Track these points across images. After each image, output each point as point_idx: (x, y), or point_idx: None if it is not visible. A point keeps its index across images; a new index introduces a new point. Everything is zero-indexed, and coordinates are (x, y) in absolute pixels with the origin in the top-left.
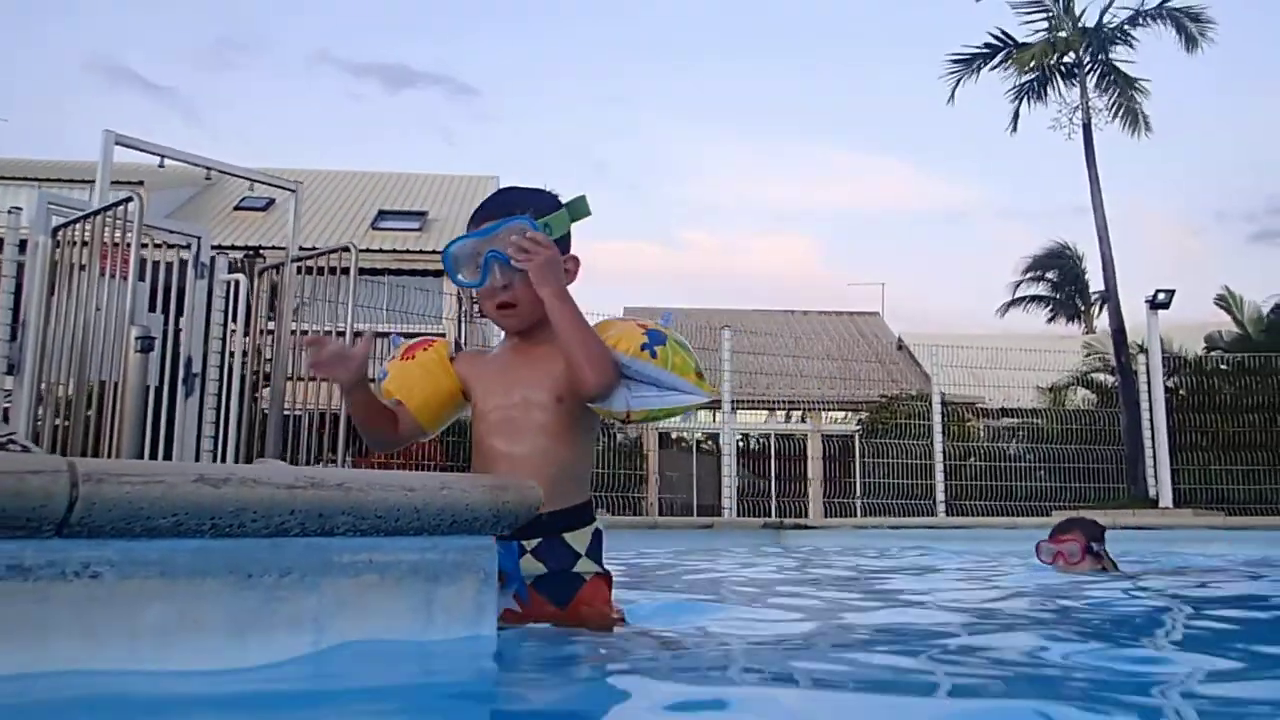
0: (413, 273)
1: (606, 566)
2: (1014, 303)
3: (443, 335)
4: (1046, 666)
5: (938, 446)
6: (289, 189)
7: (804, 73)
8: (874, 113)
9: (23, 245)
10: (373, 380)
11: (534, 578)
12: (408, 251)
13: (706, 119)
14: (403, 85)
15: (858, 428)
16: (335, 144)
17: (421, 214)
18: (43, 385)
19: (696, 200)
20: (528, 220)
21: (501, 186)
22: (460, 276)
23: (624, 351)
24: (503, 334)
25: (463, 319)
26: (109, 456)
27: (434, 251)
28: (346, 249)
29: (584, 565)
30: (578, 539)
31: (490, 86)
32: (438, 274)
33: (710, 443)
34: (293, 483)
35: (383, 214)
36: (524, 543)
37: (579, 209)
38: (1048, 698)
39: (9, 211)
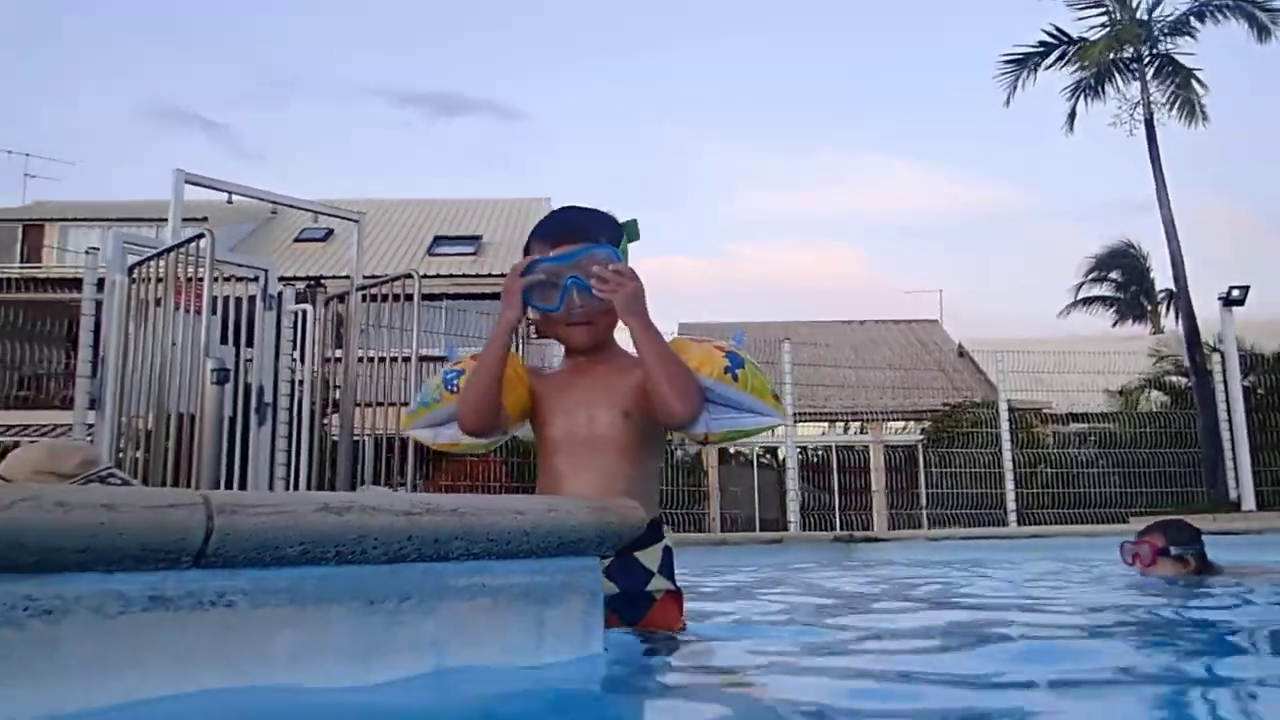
0: (470, 296)
1: (678, 584)
2: (1076, 304)
3: None
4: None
5: (1007, 454)
6: (353, 219)
7: (847, 80)
8: (919, 118)
9: (100, 284)
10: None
11: (607, 597)
12: (464, 275)
13: (750, 131)
14: (451, 112)
15: (921, 437)
16: (388, 173)
17: (476, 238)
18: (123, 419)
19: (743, 213)
20: (610, 250)
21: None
22: (534, 299)
23: (707, 375)
24: (560, 355)
25: (519, 340)
26: (189, 487)
27: (490, 275)
28: (409, 276)
29: (657, 584)
30: (649, 556)
31: (537, 109)
32: (494, 297)
33: (769, 456)
34: (409, 509)
35: (438, 239)
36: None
37: (632, 232)
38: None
39: (86, 252)
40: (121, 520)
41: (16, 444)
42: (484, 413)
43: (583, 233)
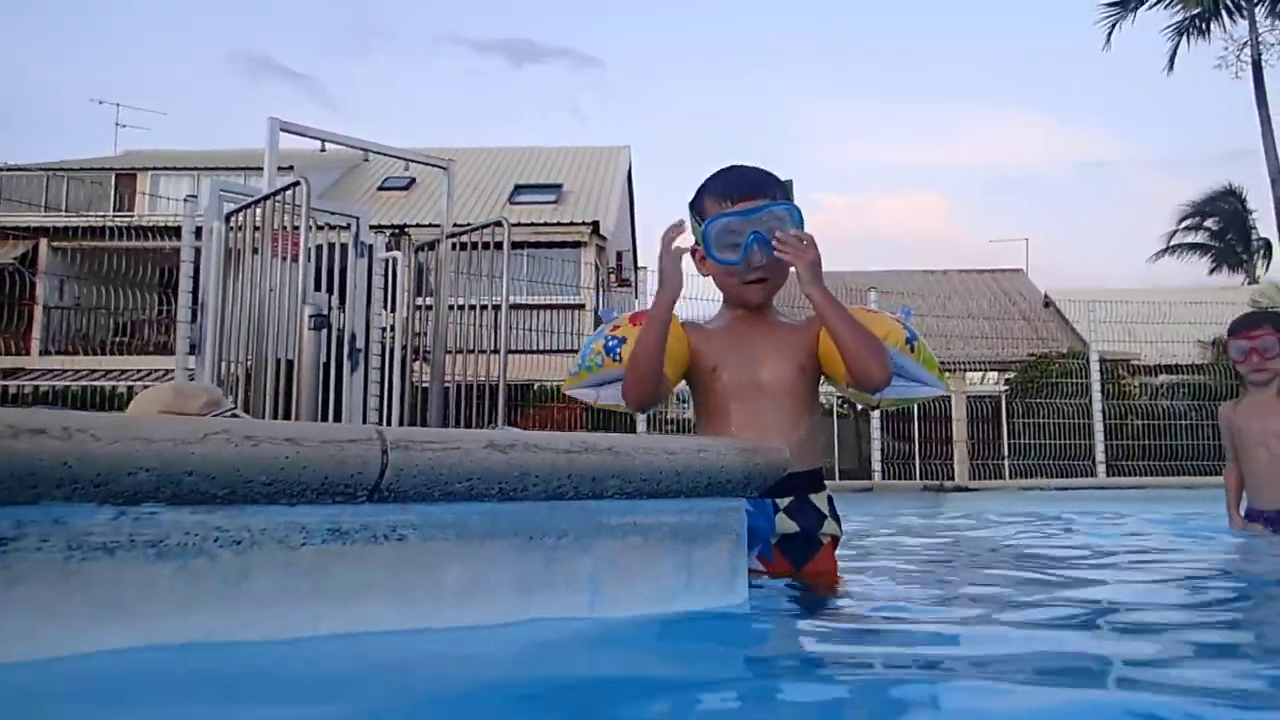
0: (550, 244)
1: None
2: (1167, 251)
3: (583, 305)
4: None
5: (1096, 405)
6: (441, 166)
7: (933, 27)
8: (1005, 64)
9: (197, 232)
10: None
11: (780, 537)
12: (545, 224)
13: (832, 79)
14: (528, 60)
15: (1004, 388)
16: (467, 122)
17: (557, 186)
18: (222, 364)
19: (825, 162)
20: (789, 207)
21: (636, 157)
22: (716, 252)
23: (892, 344)
24: (720, 306)
25: (600, 288)
26: None
27: (571, 223)
28: (499, 223)
29: (828, 527)
30: (820, 501)
31: (614, 57)
32: (575, 245)
33: (846, 406)
34: (569, 447)
35: (519, 188)
36: (777, 501)
37: (789, 192)
38: None
39: (185, 200)
40: (305, 454)
41: (114, 388)
42: (648, 389)
43: (761, 189)
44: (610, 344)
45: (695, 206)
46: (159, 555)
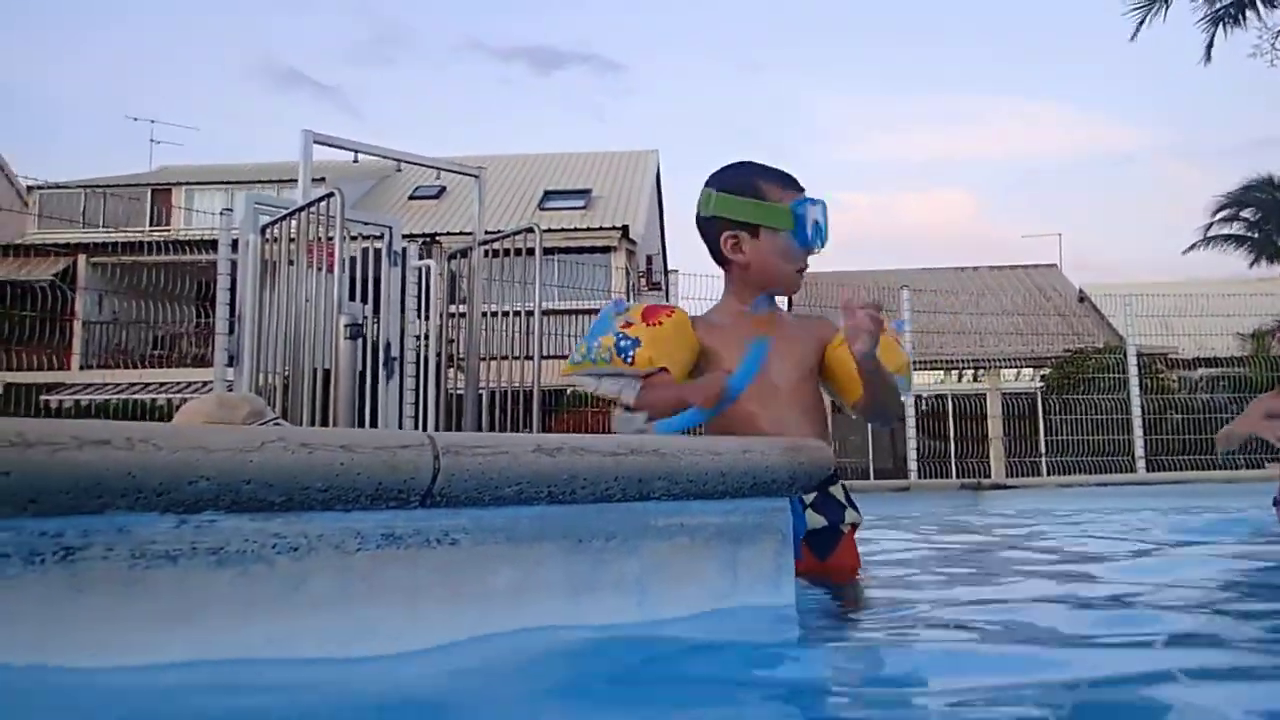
0: (580, 250)
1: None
2: (1203, 243)
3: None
4: None
5: (1135, 400)
6: (473, 175)
7: (958, 19)
8: (1032, 56)
9: (234, 244)
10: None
11: (807, 532)
12: (575, 229)
13: (852, 76)
14: (550, 66)
15: (1040, 384)
16: (494, 129)
17: (586, 192)
18: (261, 375)
19: (850, 161)
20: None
21: (662, 160)
22: (808, 235)
23: (903, 376)
24: (719, 303)
25: (630, 291)
26: None
27: (601, 228)
28: (530, 230)
29: (849, 516)
30: (838, 492)
31: (635, 61)
32: (605, 250)
33: None
34: (615, 449)
35: (548, 194)
36: (803, 498)
37: None
38: None
39: (220, 214)
40: (359, 460)
41: (154, 401)
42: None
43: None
44: (622, 343)
45: (747, 191)
46: (219, 562)
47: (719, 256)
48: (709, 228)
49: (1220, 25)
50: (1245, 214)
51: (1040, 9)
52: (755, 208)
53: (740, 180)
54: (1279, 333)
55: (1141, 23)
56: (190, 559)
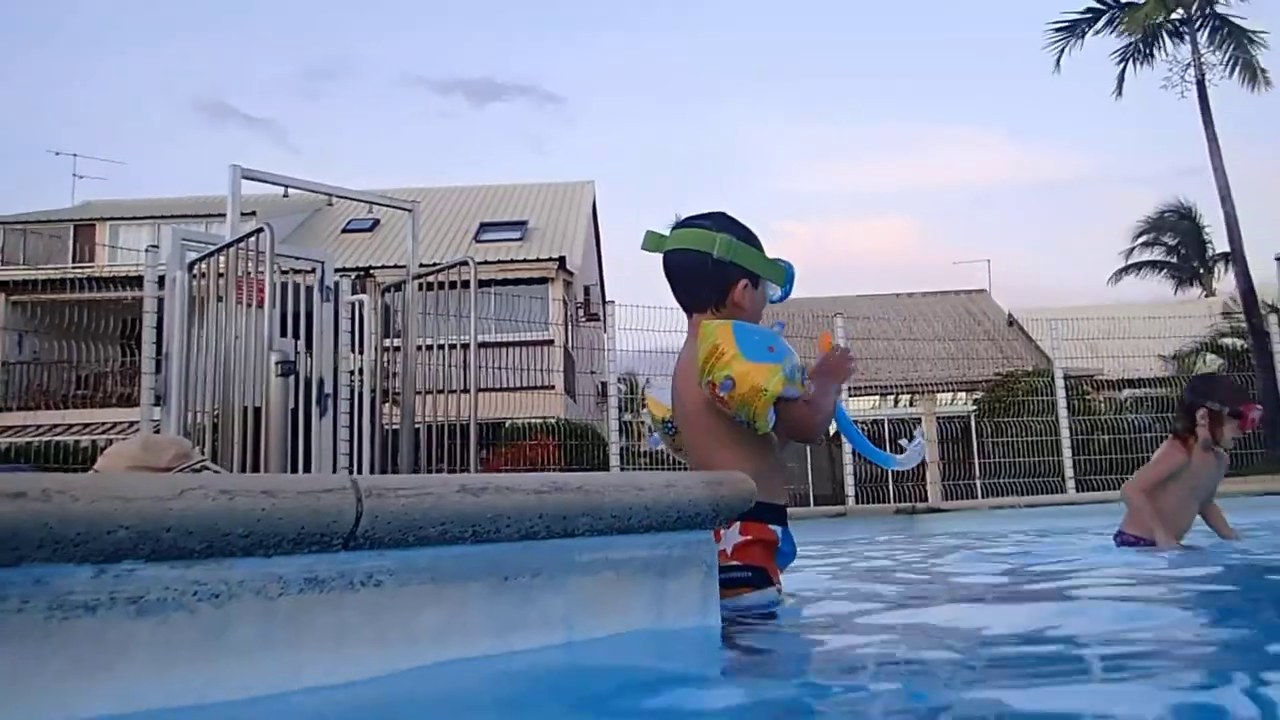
0: (517, 281)
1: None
2: (1128, 270)
3: (552, 341)
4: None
5: (1063, 422)
6: (406, 209)
7: (885, 49)
8: (963, 87)
9: (160, 281)
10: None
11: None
12: (511, 261)
13: (788, 107)
14: (488, 98)
15: (973, 408)
16: (429, 162)
17: (522, 224)
18: (189, 414)
19: (787, 190)
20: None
21: (600, 190)
22: (790, 287)
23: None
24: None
25: (568, 323)
26: None
27: (538, 259)
28: (465, 263)
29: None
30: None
31: (574, 93)
32: (542, 281)
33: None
34: (539, 487)
35: (484, 226)
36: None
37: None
38: None
39: (145, 250)
40: (281, 505)
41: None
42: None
43: None
44: (795, 374)
45: (755, 243)
46: (139, 611)
47: (721, 298)
48: (720, 271)
49: (1131, 61)
50: (1165, 239)
51: (971, 40)
52: (764, 261)
53: (746, 231)
54: (1247, 413)
55: (1061, 53)
56: (109, 609)
